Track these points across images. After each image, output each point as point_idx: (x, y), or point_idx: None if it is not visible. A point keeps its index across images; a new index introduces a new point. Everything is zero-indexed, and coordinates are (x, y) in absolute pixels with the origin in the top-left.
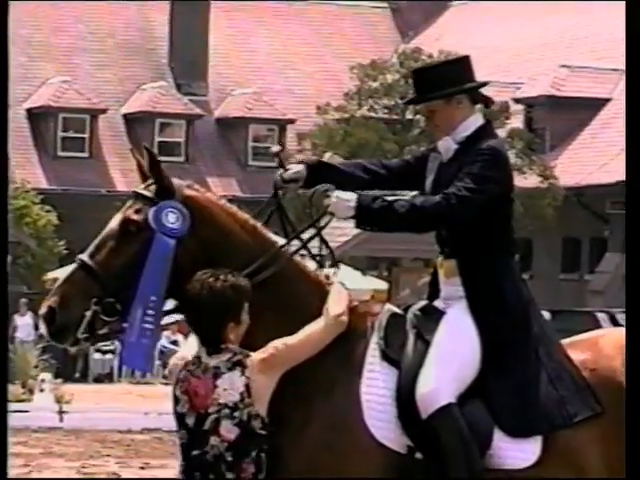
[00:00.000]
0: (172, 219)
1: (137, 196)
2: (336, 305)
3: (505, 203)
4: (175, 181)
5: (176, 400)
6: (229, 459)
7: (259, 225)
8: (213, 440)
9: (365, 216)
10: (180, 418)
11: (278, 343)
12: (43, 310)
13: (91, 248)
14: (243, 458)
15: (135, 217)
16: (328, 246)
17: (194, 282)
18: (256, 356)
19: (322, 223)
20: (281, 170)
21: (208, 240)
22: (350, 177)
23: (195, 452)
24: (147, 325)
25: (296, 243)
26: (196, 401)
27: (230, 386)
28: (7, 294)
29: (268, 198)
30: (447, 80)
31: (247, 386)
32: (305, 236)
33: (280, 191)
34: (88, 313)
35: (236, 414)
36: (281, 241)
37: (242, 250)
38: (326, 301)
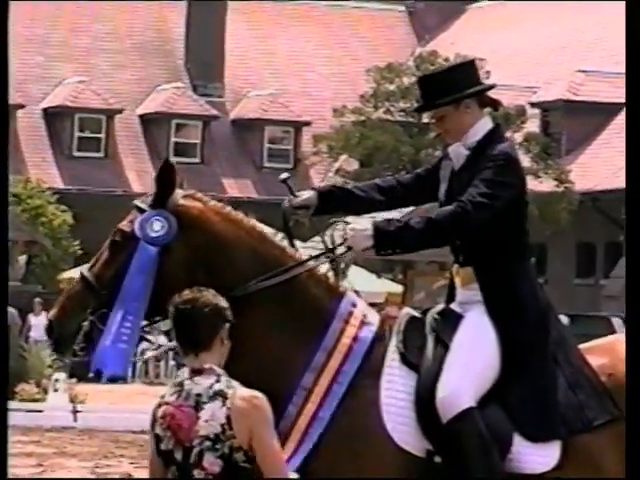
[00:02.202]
0: (157, 227)
1: (135, 207)
2: None
3: (519, 206)
4: (176, 191)
5: (158, 439)
6: None
7: (267, 231)
8: (197, 473)
9: (384, 241)
10: (167, 455)
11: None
12: (46, 323)
13: (92, 260)
14: None
15: (124, 228)
16: (337, 272)
17: (181, 294)
18: (239, 391)
19: (338, 251)
20: (290, 197)
21: (200, 247)
22: (365, 200)
23: None
24: (125, 330)
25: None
26: (181, 434)
27: (211, 417)
28: (7, 293)
29: (280, 226)
30: (453, 85)
31: (228, 417)
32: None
33: (289, 218)
34: (85, 324)
35: (218, 446)
36: (289, 247)
37: (246, 256)
38: None
